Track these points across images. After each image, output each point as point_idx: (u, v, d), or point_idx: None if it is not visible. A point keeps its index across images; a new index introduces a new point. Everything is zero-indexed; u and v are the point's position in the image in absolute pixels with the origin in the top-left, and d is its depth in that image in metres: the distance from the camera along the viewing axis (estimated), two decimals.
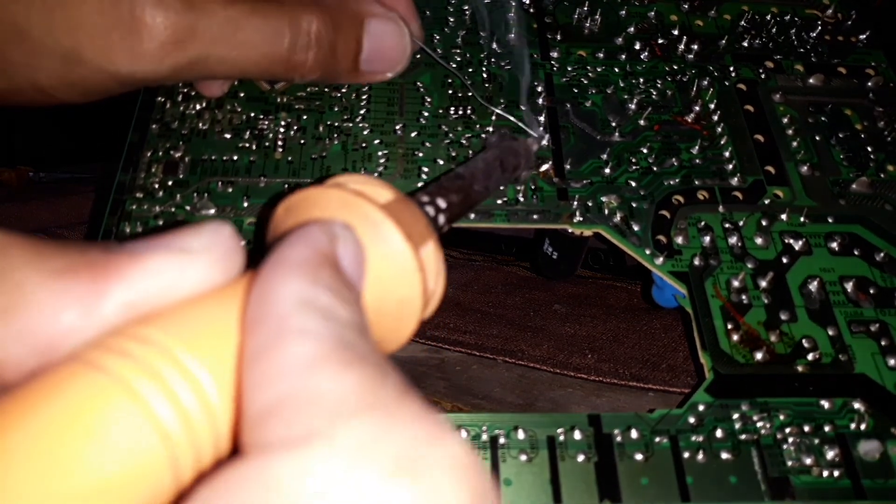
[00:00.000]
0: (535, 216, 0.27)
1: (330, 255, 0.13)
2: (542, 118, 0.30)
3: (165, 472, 0.11)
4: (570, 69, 0.32)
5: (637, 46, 0.33)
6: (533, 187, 0.28)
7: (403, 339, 0.16)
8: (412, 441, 0.10)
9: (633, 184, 0.29)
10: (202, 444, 0.11)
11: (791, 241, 0.27)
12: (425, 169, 0.29)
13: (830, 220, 0.28)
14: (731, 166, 0.29)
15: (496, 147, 0.26)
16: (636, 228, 0.27)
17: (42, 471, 0.10)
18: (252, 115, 0.30)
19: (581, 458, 0.22)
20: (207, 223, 0.13)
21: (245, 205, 0.27)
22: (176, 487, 0.11)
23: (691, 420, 0.23)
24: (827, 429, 0.23)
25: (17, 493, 0.09)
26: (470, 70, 0.32)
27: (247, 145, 0.29)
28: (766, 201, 0.29)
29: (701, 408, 0.23)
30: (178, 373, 0.11)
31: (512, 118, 0.30)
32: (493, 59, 0.32)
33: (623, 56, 0.33)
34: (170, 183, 0.27)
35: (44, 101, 0.25)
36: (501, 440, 0.22)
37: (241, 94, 0.30)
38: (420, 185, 0.28)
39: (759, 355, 0.24)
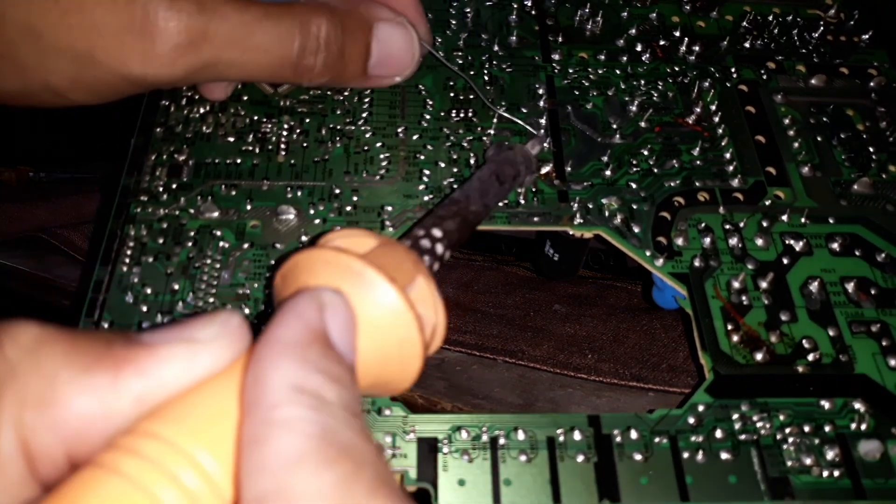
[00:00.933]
0: (535, 218, 0.28)
1: (318, 330, 0.14)
2: (542, 121, 0.30)
3: None
4: (571, 71, 0.32)
5: (638, 48, 0.33)
6: (534, 190, 0.28)
7: (412, 377, 0.16)
8: None
9: (634, 185, 0.29)
10: None
11: (792, 241, 0.27)
12: (427, 171, 0.29)
13: (831, 221, 0.28)
14: (731, 167, 0.30)
15: (492, 161, 0.26)
16: (636, 230, 0.27)
17: None
18: (255, 118, 0.30)
19: (581, 458, 0.22)
20: (219, 313, 0.14)
21: (248, 207, 0.27)
22: None
23: (691, 420, 0.23)
24: (827, 429, 0.23)
25: None
26: (472, 73, 0.32)
27: (250, 148, 0.29)
28: (767, 202, 0.29)
29: (701, 408, 0.23)
30: (182, 460, 0.12)
31: (515, 119, 0.30)
32: (494, 62, 0.32)
33: (624, 58, 0.33)
34: (174, 186, 0.28)
35: (56, 102, 0.25)
36: (501, 441, 0.22)
37: (245, 98, 0.31)
38: (421, 187, 0.28)
39: (759, 356, 0.24)
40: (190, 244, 0.26)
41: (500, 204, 0.28)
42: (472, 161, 0.29)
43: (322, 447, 0.12)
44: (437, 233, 0.20)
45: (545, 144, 0.29)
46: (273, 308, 0.16)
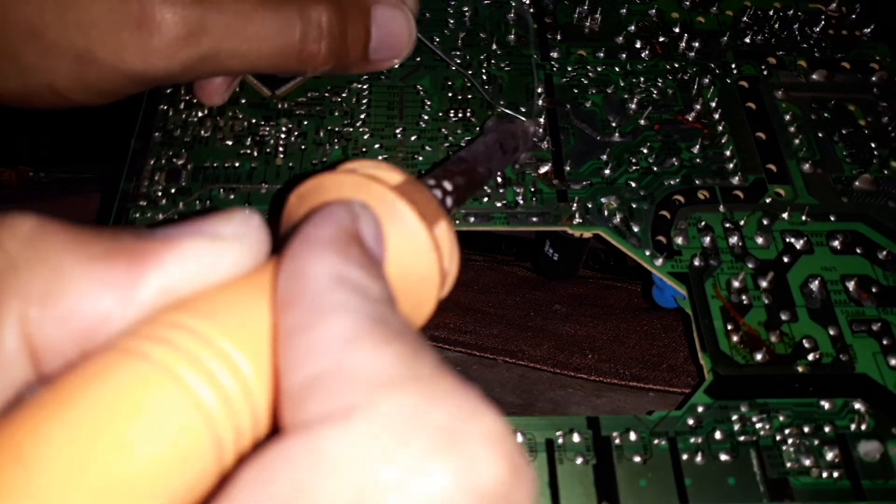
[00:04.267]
0: (534, 218, 0.28)
1: (355, 232, 0.13)
2: (541, 119, 0.30)
3: (209, 452, 0.11)
4: (570, 69, 0.32)
5: (638, 45, 0.33)
6: (532, 189, 0.28)
7: (423, 317, 0.16)
8: (450, 414, 0.10)
9: (633, 184, 0.29)
10: (242, 423, 0.11)
11: (792, 240, 0.27)
12: (424, 172, 0.29)
13: (832, 219, 0.28)
14: (732, 165, 0.29)
15: (495, 130, 0.26)
16: (636, 229, 0.27)
17: (91, 455, 0.10)
18: (253, 121, 0.30)
19: (579, 460, 0.22)
20: (237, 211, 0.14)
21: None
22: (219, 468, 0.11)
23: (690, 422, 0.23)
24: (827, 429, 0.23)
25: (69, 477, 0.10)
26: (470, 72, 0.32)
27: (248, 152, 0.29)
28: (768, 200, 0.28)
29: (700, 409, 0.23)
30: (215, 356, 0.11)
31: (511, 113, 0.30)
32: (492, 61, 0.32)
33: (623, 55, 0.33)
34: (172, 190, 0.28)
35: (59, 103, 0.25)
36: None
37: (243, 101, 0.31)
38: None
39: (759, 356, 0.24)
40: None
41: (499, 204, 0.28)
42: (469, 142, 0.29)
43: (377, 327, 0.11)
44: (448, 185, 0.20)
45: (539, 128, 0.29)
46: (277, 233, 0.16)
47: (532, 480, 0.11)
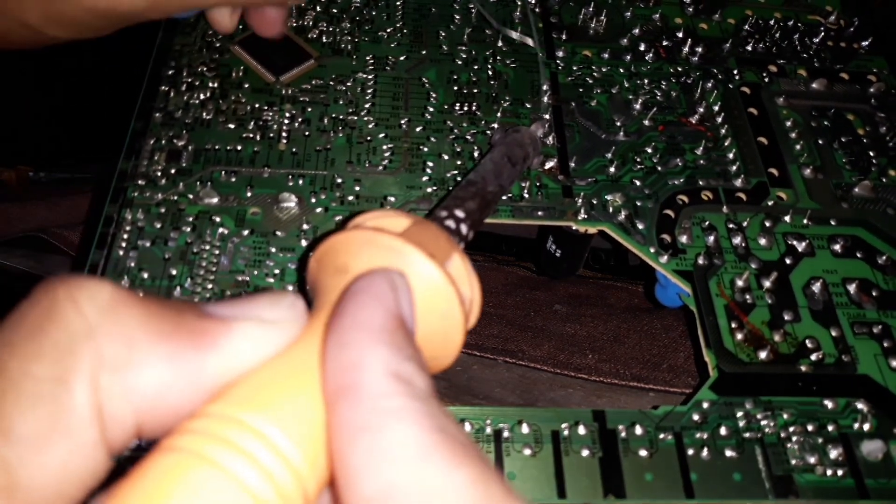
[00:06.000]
0: (539, 213, 0.27)
1: (398, 314, 0.13)
2: (546, 115, 0.30)
3: None
4: (575, 68, 0.32)
5: (642, 48, 0.33)
6: (538, 184, 0.28)
7: (454, 352, 0.16)
8: None
9: (638, 183, 0.29)
10: (290, 495, 0.12)
11: (794, 242, 0.27)
12: (430, 163, 0.29)
13: (833, 223, 0.28)
14: (734, 168, 0.30)
15: (501, 144, 0.26)
16: (640, 227, 0.27)
17: None
18: (256, 105, 0.30)
19: (586, 452, 0.22)
20: (283, 294, 0.14)
21: (248, 195, 0.27)
22: None
23: (696, 417, 0.23)
24: (830, 428, 0.23)
25: None
26: (475, 67, 0.32)
27: (251, 136, 0.29)
28: (770, 203, 0.29)
29: (705, 405, 0.23)
30: (256, 439, 0.12)
31: (513, 34, 0.30)
32: (498, 58, 0.32)
33: (628, 57, 0.33)
34: (172, 171, 0.27)
35: (38, 39, 0.25)
36: (506, 434, 0.22)
37: (246, 86, 0.30)
38: (425, 178, 0.28)
39: (762, 354, 0.24)
40: (188, 230, 0.26)
41: (504, 198, 0.28)
42: (475, 154, 0.29)
43: (446, 442, 0.11)
44: (459, 213, 0.20)
45: (546, 126, 0.29)
46: (308, 293, 0.16)
47: None
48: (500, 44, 0.33)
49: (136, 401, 0.12)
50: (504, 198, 0.28)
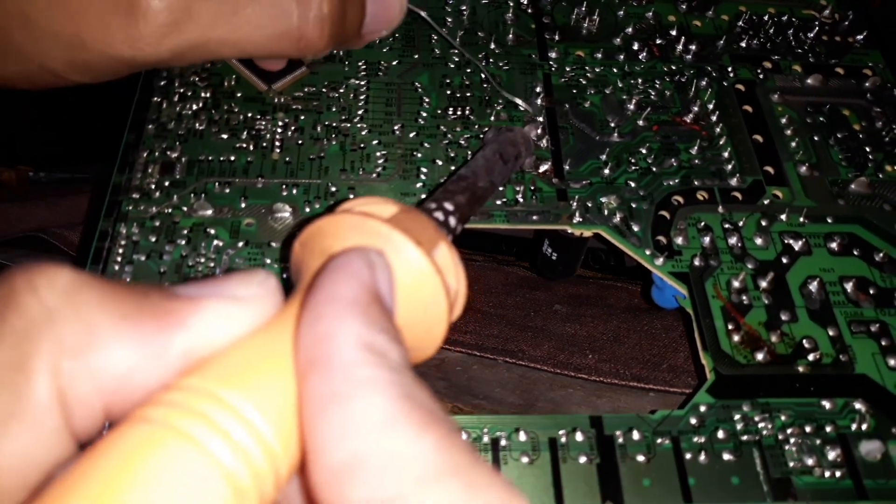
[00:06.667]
0: (534, 217, 0.27)
1: (374, 289, 0.13)
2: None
3: None
4: (568, 69, 0.32)
5: (635, 47, 0.33)
6: (532, 188, 0.28)
7: (436, 342, 0.16)
8: None
9: (633, 184, 0.29)
10: (263, 477, 0.12)
11: (791, 241, 0.27)
12: (424, 169, 0.28)
13: (830, 221, 0.28)
14: (730, 167, 0.29)
15: (493, 141, 0.26)
16: (636, 229, 0.27)
17: None
18: (249, 115, 0.30)
19: (583, 459, 0.22)
20: (255, 272, 0.14)
21: (242, 205, 0.27)
22: None
23: (693, 421, 0.23)
24: (828, 429, 0.23)
25: None
26: (468, 71, 0.32)
27: (244, 146, 0.29)
28: (766, 201, 0.29)
29: (702, 409, 0.23)
30: (230, 415, 0.11)
31: (510, 96, 0.30)
32: (491, 60, 0.32)
33: (621, 56, 0.33)
34: (166, 183, 0.27)
35: (57, 82, 0.25)
36: (503, 442, 0.22)
37: (239, 95, 0.30)
38: (419, 185, 0.28)
39: (760, 356, 0.24)
40: (183, 242, 0.26)
41: (499, 202, 0.28)
42: (469, 159, 0.29)
43: (413, 409, 0.11)
44: (449, 206, 0.20)
45: (538, 129, 0.29)
46: (291, 277, 0.16)
47: None
48: (492, 46, 0.33)
49: (102, 384, 0.12)
50: (499, 202, 0.28)
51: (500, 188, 0.28)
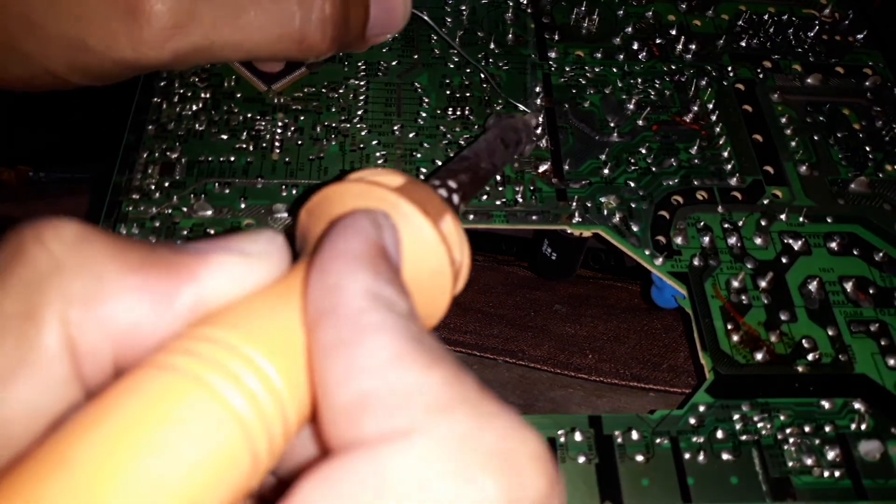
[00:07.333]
0: (533, 217, 0.27)
1: (381, 245, 0.14)
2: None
3: (244, 457, 0.11)
4: (568, 69, 0.32)
5: (635, 46, 0.33)
6: (532, 188, 0.28)
7: (440, 312, 0.16)
8: (500, 436, 0.11)
9: (632, 184, 0.29)
10: (274, 429, 0.12)
11: (790, 241, 0.27)
12: (423, 170, 0.29)
13: (829, 220, 0.28)
14: (729, 166, 0.29)
15: (495, 127, 0.26)
16: (635, 229, 0.27)
17: (131, 463, 0.10)
18: (249, 115, 0.30)
19: (582, 459, 0.22)
20: (262, 230, 0.14)
21: (242, 206, 0.27)
22: (254, 472, 0.12)
23: (692, 421, 0.23)
24: (827, 429, 0.23)
25: (110, 486, 0.10)
26: (468, 71, 0.32)
27: (244, 146, 0.29)
28: (766, 201, 0.29)
29: (701, 408, 0.23)
30: (246, 365, 0.12)
31: (519, 105, 0.30)
32: (490, 60, 0.32)
33: (621, 56, 0.33)
34: (166, 184, 0.27)
35: (61, 85, 0.25)
36: None
37: (238, 95, 0.30)
38: None
39: (759, 356, 0.24)
40: (182, 243, 0.26)
41: (498, 203, 0.28)
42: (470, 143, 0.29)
43: (418, 349, 0.12)
44: (452, 184, 0.20)
45: (539, 119, 0.30)
46: (296, 244, 0.16)
47: (564, 491, 0.12)
48: (491, 46, 0.33)
49: (111, 334, 0.12)
50: (498, 203, 0.28)
51: (499, 174, 0.28)
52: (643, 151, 0.30)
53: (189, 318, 0.12)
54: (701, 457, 0.22)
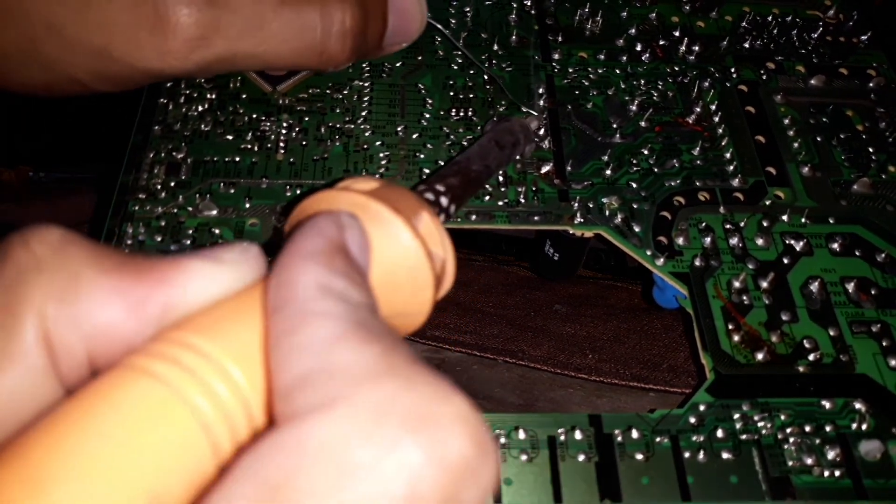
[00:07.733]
0: (536, 217, 0.28)
1: (340, 243, 0.14)
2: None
3: (207, 457, 0.12)
4: (571, 71, 0.32)
5: (638, 48, 0.33)
6: (534, 189, 0.28)
7: (424, 308, 0.17)
8: (423, 399, 0.11)
9: (634, 185, 0.29)
10: (238, 428, 0.12)
11: (792, 241, 0.27)
12: (427, 170, 0.29)
13: (831, 221, 0.28)
14: (732, 167, 0.29)
15: (490, 130, 0.26)
16: (637, 229, 0.27)
17: (101, 468, 0.11)
18: (254, 116, 0.30)
19: (582, 457, 0.22)
20: (237, 242, 0.15)
21: (247, 206, 0.27)
22: (216, 468, 0.12)
23: (692, 420, 0.23)
24: (828, 429, 0.23)
25: (80, 488, 0.10)
26: (471, 72, 0.32)
27: (249, 146, 0.29)
28: (768, 202, 0.29)
29: (702, 408, 0.23)
30: (212, 370, 0.12)
31: (526, 109, 0.30)
32: (494, 61, 0.32)
33: (624, 57, 0.33)
34: (172, 184, 0.28)
35: (82, 91, 0.26)
36: (502, 440, 0.22)
37: (244, 96, 0.31)
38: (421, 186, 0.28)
39: (760, 356, 0.24)
40: (188, 242, 0.26)
41: (500, 203, 0.28)
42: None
43: (359, 330, 0.12)
44: (440, 187, 0.21)
45: (543, 120, 0.30)
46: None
47: (497, 456, 0.12)
48: (495, 47, 0.33)
49: (85, 332, 0.13)
50: (500, 203, 0.28)
51: (499, 174, 0.28)
52: (645, 152, 0.30)
53: (163, 321, 0.13)
54: (701, 455, 0.22)
